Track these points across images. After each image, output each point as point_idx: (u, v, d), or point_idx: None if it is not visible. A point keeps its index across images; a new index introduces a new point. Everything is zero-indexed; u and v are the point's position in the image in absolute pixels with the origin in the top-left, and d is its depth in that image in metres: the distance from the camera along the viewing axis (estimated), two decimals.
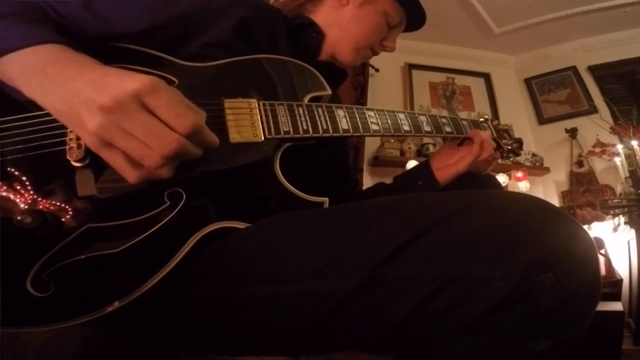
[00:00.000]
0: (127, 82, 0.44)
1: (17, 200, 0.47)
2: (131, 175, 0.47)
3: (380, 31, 0.86)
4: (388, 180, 1.00)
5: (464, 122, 0.88)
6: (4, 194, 0.47)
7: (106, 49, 0.61)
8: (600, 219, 1.65)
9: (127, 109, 0.43)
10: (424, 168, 0.92)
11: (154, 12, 0.65)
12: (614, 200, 1.82)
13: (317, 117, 0.65)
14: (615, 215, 1.86)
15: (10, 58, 0.48)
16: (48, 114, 0.49)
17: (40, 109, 0.48)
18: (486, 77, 3.48)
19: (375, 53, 0.90)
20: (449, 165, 0.89)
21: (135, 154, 0.45)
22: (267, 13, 0.79)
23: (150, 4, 0.65)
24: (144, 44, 0.62)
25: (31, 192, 0.48)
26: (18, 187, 0.48)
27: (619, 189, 2.69)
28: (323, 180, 0.86)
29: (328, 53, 0.87)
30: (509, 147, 0.95)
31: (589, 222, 1.64)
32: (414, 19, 0.90)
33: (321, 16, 0.86)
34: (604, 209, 1.66)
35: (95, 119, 0.43)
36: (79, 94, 0.44)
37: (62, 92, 0.45)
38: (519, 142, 0.97)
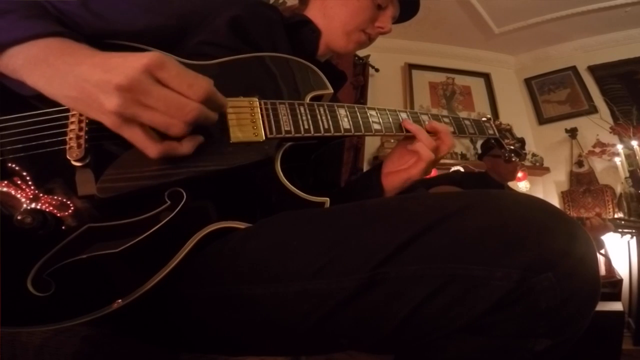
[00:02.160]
0: (135, 60, 0.45)
1: (18, 198, 0.47)
2: (153, 150, 0.49)
3: (366, 11, 0.84)
4: None
5: (466, 122, 0.88)
6: (5, 192, 0.47)
7: (106, 46, 0.61)
8: (609, 229, 1.67)
9: (142, 85, 0.45)
10: (373, 172, 0.82)
11: (151, 11, 0.65)
12: (624, 222, 1.84)
13: (319, 117, 0.65)
14: (623, 234, 1.86)
15: (13, 50, 0.49)
16: (48, 113, 0.49)
17: (42, 105, 0.48)
18: (486, 77, 3.48)
19: (370, 37, 0.87)
20: (401, 171, 0.77)
21: (159, 126, 0.47)
22: (263, 11, 0.78)
23: (147, 2, 0.65)
24: (142, 42, 0.62)
25: (31, 191, 0.48)
26: (18, 186, 0.48)
27: (619, 189, 2.70)
28: (311, 181, 0.85)
29: (324, 46, 0.87)
30: (512, 147, 0.95)
31: (598, 232, 1.65)
32: None
33: (312, 11, 0.87)
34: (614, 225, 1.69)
35: (113, 99, 0.44)
36: (89, 78, 0.45)
37: (69, 79, 0.46)
38: (522, 141, 0.97)
